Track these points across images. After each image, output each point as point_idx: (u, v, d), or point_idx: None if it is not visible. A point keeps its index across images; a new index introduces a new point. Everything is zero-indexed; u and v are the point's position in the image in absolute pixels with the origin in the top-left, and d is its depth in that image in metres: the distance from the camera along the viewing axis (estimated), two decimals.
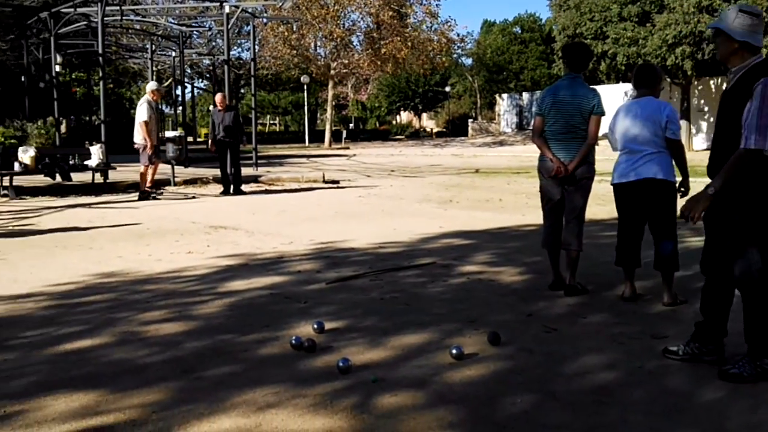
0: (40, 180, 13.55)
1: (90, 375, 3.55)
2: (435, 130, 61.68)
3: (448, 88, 59.44)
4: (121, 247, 7.35)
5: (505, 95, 51.55)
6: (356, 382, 3.43)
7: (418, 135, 57.45)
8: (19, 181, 12.97)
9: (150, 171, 12.27)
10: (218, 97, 13.47)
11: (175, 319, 4.56)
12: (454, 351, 3.76)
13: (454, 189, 14.21)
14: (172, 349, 3.96)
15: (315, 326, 4.25)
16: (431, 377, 3.49)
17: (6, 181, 12.63)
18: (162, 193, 12.34)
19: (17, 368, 3.66)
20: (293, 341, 3.94)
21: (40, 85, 22.97)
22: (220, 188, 13.53)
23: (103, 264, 6.42)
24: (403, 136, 54.96)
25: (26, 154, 13.15)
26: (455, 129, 55.35)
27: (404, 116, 68.63)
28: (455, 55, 53.57)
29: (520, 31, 57.50)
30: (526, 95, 47.73)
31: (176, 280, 5.76)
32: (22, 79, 23.28)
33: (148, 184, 12.34)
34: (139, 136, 12.15)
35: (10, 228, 8.92)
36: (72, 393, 3.30)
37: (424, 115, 69.54)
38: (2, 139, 16.43)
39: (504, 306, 4.88)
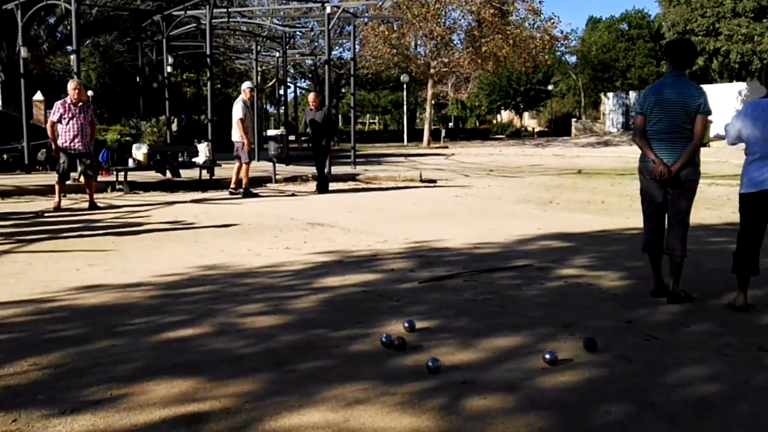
0: (151, 176, 14.22)
1: (189, 363, 3.69)
2: (537, 130, 60.57)
3: (550, 87, 58.22)
4: (223, 241, 7.61)
5: (610, 94, 50.07)
6: (445, 382, 3.41)
7: (519, 134, 56.58)
8: (133, 176, 13.67)
9: (245, 168, 12.62)
10: (311, 96, 13.73)
11: (271, 313, 4.68)
12: (547, 356, 3.67)
13: (555, 190, 13.92)
14: (267, 341, 4.07)
15: (406, 325, 4.26)
16: (522, 381, 3.43)
17: (121, 177, 13.34)
18: (239, 191, 12.64)
19: (124, 353, 3.86)
20: (383, 339, 3.97)
21: (154, 86, 24.14)
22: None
23: (207, 257, 6.67)
24: (503, 136, 54.29)
25: (139, 151, 13.85)
26: (558, 128, 54.20)
27: (505, 115, 67.70)
28: (559, 53, 52.46)
29: (627, 28, 55.60)
30: (632, 94, 46.13)
31: (273, 274, 5.91)
32: (137, 79, 24.53)
33: (232, 185, 12.72)
34: (237, 134, 12.55)
35: (124, 221, 9.41)
36: (173, 379, 3.44)
37: (526, 114, 68.40)
38: (118, 137, 17.36)
39: (602, 311, 4.73)
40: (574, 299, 5.06)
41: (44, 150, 17.83)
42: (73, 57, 16.26)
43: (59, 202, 10.58)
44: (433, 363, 3.56)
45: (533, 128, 62.66)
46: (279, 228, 8.57)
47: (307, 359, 3.76)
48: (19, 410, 3.07)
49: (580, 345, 3.93)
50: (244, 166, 12.62)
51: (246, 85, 13.14)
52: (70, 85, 10.68)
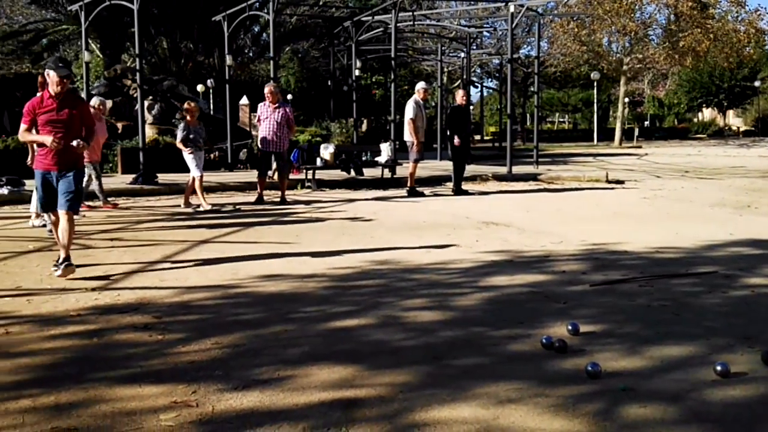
0: (337, 174, 14.91)
1: (351, 351, 3.87)
2: (742, 129, 55.85)
3: (757, 83, 53.33)
4: (397, 237, 7.83)
5: None
6: (603, 388, 3.30)
7: (721, 134, 52.52)
8: (320, 174, 14.40)
9: (411, 167, 12.77)
10: (460, 93, 13.67)
11: (434, 308, 4.76)
12: (719, 367, 3.43)
13: (755, 194, 12.80)
14: (427, 335, 4.15)
15: (569, 327, 4.16)
16: (688, 393, 3.24)
17: (310, 174, 14.13)
18: (417, 191, 12.72)
19: (294, 338, 4.13)
20: (544, 340, 3.90)
21: (344, 89, 25.27)
22: (501, 185, 13.64)
23: (380, 252, 6.91)
24: (704, 135, 50.64)
25: (326, 151, 14.61)
26: (766, 128, 49.63)
27: (707, 113, 63.07)
28: (767, 47, 48.02)
29: None
30: None
31: (441, 271, 6.00)
32: (329, 83, 25.81)
33: (410, 184, 12.87)
34: (408, 134, 12.73)
35: (309, 216, 9.98)
36: (334, 365, 3.63)
37: (730, 113, 63.27)
38: (309, 137, 18.39)
39: None
40: (759, 310, 4.66)
41: (245, 150, 19.32)
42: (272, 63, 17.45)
43: (259, 195, 11.54)
44: (593, 368, 3.45)
45: (738, 127, 57.90)
46: (453, 226, 8.65)
47: (464, 355, 3.80)
48: (199, 383, 3.40)
49: (758, 358, 3.63)
50: (411, 165, 12.78)
51: (420, 86, 13.20)
52: (265, 89, 11.68)
